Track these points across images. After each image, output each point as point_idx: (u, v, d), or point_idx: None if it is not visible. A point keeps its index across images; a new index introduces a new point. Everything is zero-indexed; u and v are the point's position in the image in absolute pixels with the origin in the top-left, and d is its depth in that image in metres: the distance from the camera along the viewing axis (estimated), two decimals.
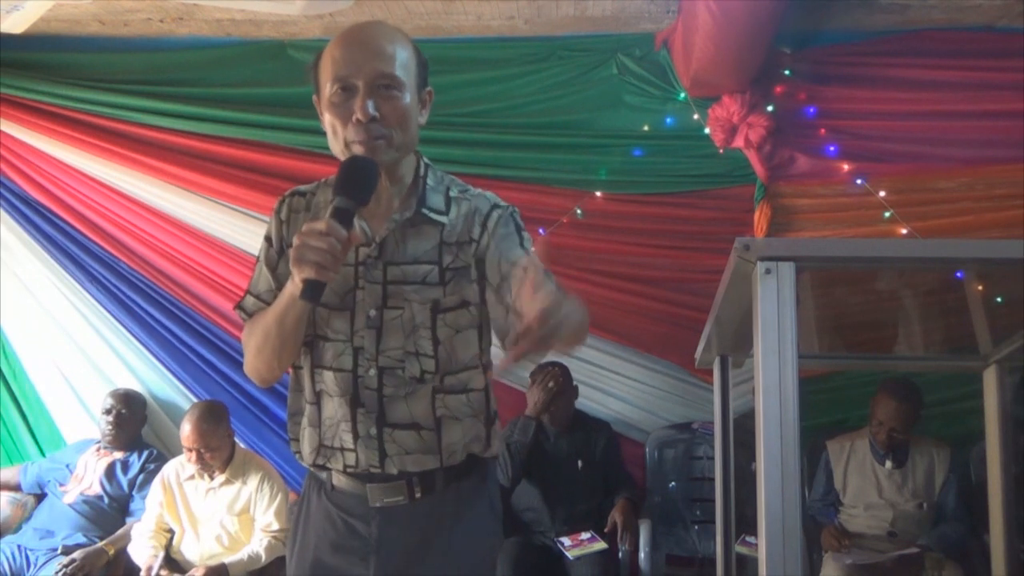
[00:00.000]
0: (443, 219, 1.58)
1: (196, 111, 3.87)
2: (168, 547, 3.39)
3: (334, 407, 1.57)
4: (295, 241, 1.40)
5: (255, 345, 1.58)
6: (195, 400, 3.79)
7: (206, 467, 3.35)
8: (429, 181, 1.61)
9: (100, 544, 3.41)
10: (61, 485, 3.67)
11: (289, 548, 1.70)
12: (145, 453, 3.72)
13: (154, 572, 3.24)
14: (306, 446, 1.62)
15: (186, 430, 3.31)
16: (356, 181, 1.47)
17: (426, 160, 1.65)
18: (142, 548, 3.35)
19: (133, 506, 3.61)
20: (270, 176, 3.79)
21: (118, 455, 3.71)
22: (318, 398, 1.60)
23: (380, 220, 1.58)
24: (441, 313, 1.55)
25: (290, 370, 1.67)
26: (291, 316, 1.51)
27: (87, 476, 3.66)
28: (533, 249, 1.55)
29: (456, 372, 1.57)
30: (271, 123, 3.85)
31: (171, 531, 3.42)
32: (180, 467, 3.44)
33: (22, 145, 3.97)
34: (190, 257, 3.96)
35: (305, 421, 1.62)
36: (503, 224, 1.58)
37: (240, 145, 3.86)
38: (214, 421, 3.33)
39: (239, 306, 1.66)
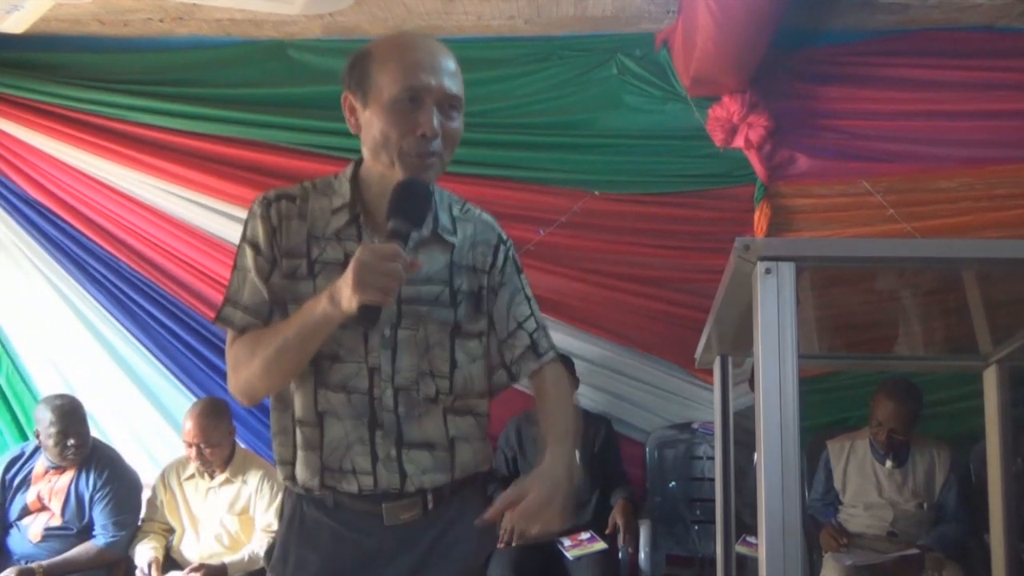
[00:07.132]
0: (453, 239, 1.58)
1: (196, 111, 3.88)
2: (168, 547, 3.38)
3: (344, 429, 1.51)
4: (353, 262, 1.34)
5: (261, 364, 1.48)
6: (195, 400, 3.78)
7: (206, 464, 3.33)
8: (435, 198, 1.57)
9: (32, 565, 3.21)
10: (20, 519, 3.40)
11: (279, 570, 1.58)
12: (106, 470, 3.39)
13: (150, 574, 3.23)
14: (303, 470, 1.52)
15: (187, 426, 3.29)
16: (413, 204, 1.44)
17: None
18: (142, 549, 3.34)
19: (96, 523, 3.35)
20: (270, 176, 3.78)
21: (70, 474, 3.38)
22: (320, 419, 1.52)
23: None
24: (460, 337, 1.56)
25: None
26: (319, 336, 1.44)
27: (50, 504, 3.39)
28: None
29: (467, 398, 1.57)
30: (271, 123, 3.85)
31: (171, 530, 3.42)
32: (180, 467, 3.44)
33: (22, 145, 3.98)
34: (190, 256, 3.96)
35: (300, 443, 1.53)
36: (510, 267, 1.63)
37: (240, 145, 3.87)
38: (216, 417, 3.31)
39: (222, 318, 1.55)
